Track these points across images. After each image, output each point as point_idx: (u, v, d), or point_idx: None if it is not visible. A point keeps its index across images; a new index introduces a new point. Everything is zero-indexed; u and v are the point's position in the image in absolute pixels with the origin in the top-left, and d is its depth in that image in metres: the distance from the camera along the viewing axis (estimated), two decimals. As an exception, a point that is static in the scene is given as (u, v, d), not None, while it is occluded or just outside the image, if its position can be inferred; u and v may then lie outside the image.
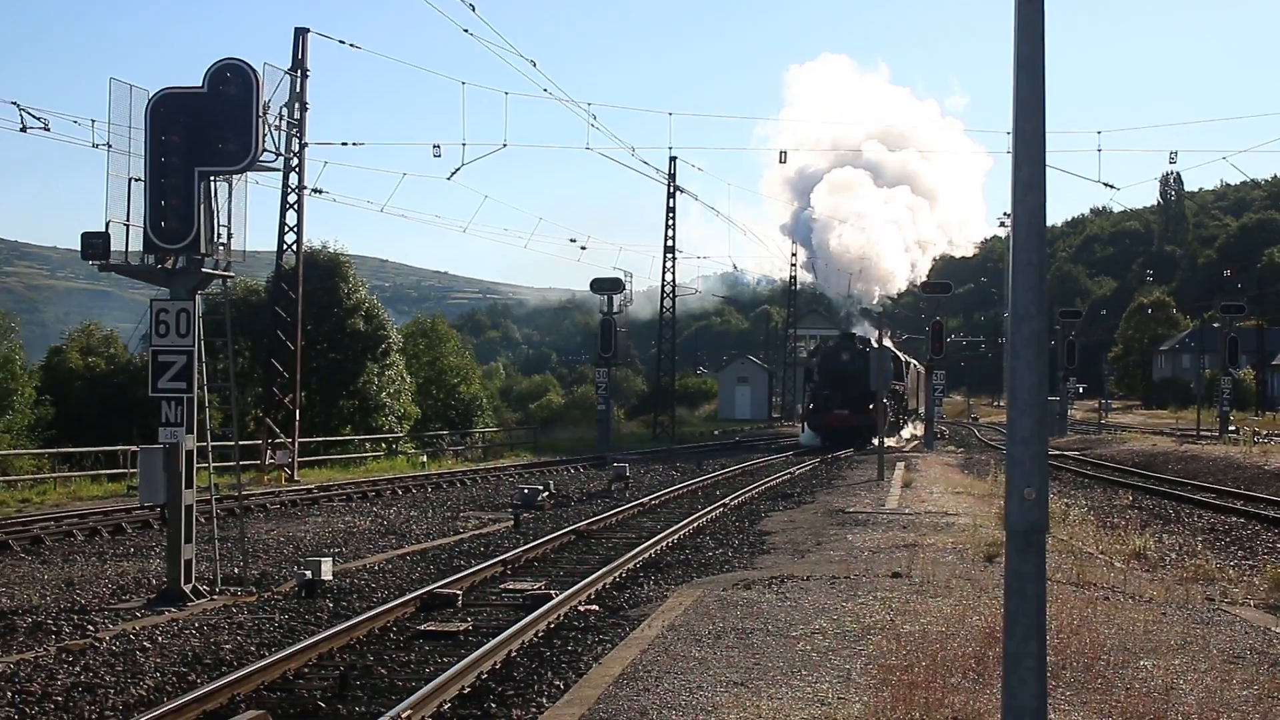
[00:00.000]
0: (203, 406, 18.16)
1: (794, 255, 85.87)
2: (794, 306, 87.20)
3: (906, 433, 72.43)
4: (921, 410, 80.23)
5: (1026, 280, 6.74)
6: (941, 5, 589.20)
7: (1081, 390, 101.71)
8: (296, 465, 39.41)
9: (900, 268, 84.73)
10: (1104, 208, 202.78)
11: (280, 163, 25.27)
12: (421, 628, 15.13)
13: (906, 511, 26.05)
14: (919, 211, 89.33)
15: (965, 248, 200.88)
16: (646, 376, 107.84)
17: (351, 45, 36.43)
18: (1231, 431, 62.17)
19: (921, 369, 79.26)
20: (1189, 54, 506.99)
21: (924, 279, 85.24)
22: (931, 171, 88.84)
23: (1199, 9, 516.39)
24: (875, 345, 62.51)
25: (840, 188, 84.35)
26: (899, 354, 69.05)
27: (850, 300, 78.99)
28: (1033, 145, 6.70)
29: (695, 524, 25.90)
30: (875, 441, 58.11)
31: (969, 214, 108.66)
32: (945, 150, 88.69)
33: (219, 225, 17.77)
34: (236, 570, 19.45)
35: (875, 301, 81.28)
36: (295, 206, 39.93)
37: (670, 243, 72.03)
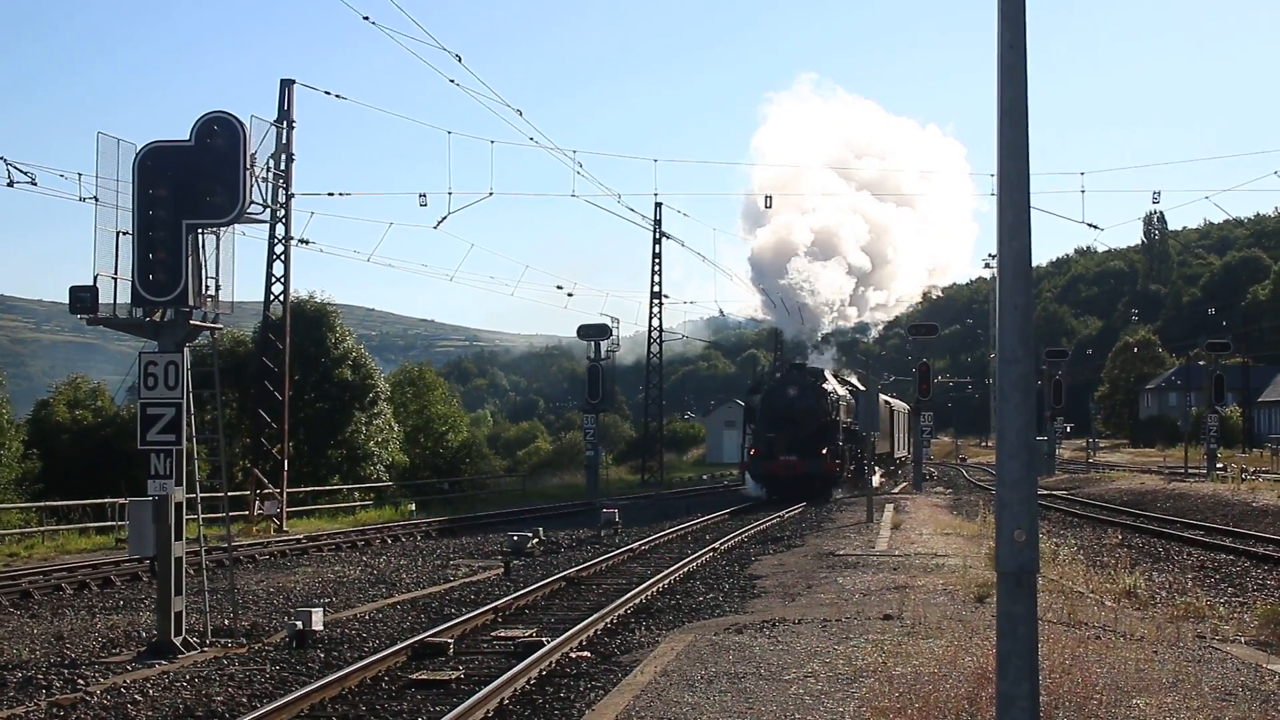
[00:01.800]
0: (191, 458, 18.14)
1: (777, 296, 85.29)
2: (780, 349, 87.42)
3: (875, 481, 59.28)
4: (900, 454, 73.65)
5: (1013, 323, 6.82)
6: (931, 49, 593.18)
7: (1069, 430, 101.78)
8: (285, 515, 39.32)
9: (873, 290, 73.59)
10: (1089, 248, 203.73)
11: (267, 214, 25.36)
12: (413, 676, 15.10)
13: (896, 553, 26.06)
14: (910, 235, 79.16)
15: (949, 288, 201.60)
16: (634, 422, 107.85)
17: (337, 96, 36.69)
18: (1219, 469, 62.28)
19: (897, 406, 73.94)
20: (1170, 94, 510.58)
21: (903, 314, 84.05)
22: (925, 200, 78.78)
23: (1179, 50, 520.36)
24: (831, 378, 54.94)
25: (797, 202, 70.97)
26: (860, 386, 60.07)
27: (805, 327, 66.96)
28: (1018, 189, 6.79)
29: (686, 569, 25.87)
30: (836, 494, 51.74)
31: (959, 248, 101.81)
32: (943, 171, 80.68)
33: (207, 277, 17.80)
34: (227, 622, 19.38)
35: (838, 320, 71.17)
36: (282, 257, 40.01)
37: (656, 288, 72.18)
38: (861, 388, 57.28)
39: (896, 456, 73.56)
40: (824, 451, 51.02)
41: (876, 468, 60.86)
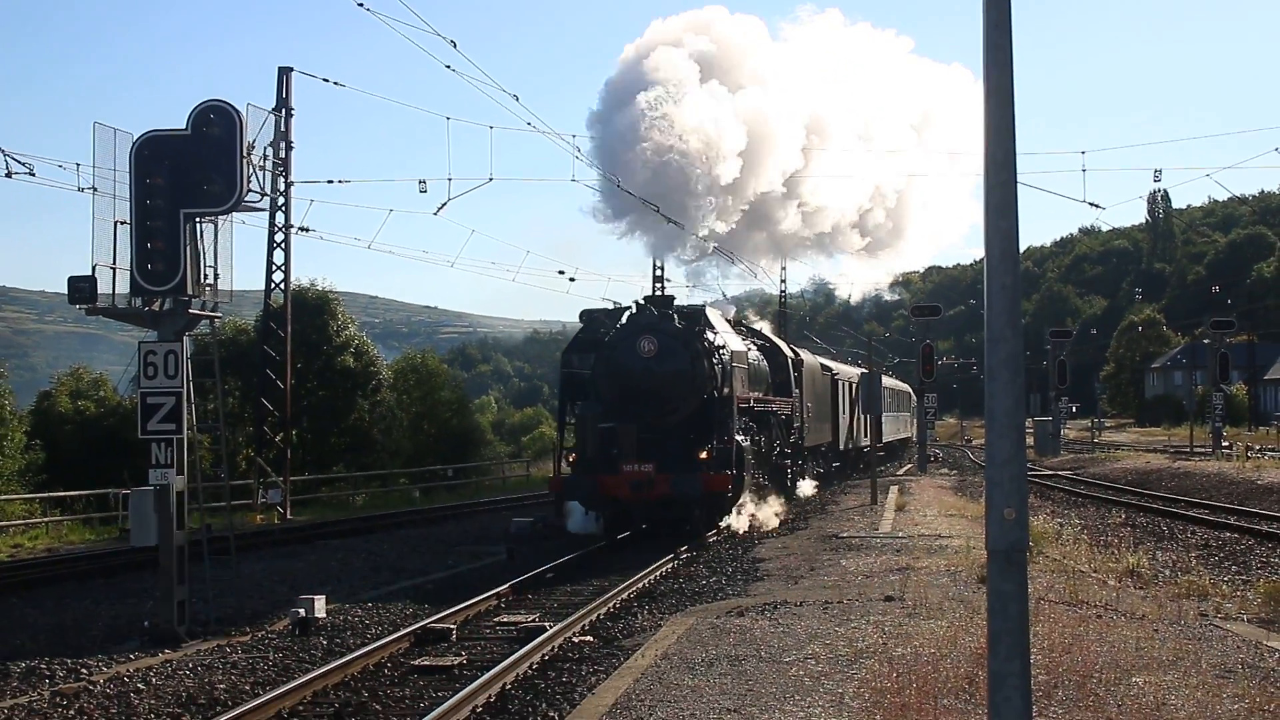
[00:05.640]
0: (193, 447, 18.17)
1: (783, 270, 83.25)
2: (785, 329, 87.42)
3: (806, 487, 40.66)
4: (857, 442, 53.68)
5: (1001, 303, 6.84)
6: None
7: (1074, 410, 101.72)
8: (289, 503, 39.37)
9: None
10: (1092, 227, 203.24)
11: (266, 202, 25.33)
12: (416, 663, 15.15)
13: (900, 535, 26.06)
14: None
15: (954, 268, 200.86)
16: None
17: (336, 83, 36.39)
18: (1225, 447, 62.24)
19: (847, 375, 52.00)
20: (1170, 73, 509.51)
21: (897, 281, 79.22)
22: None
23: (1179, 29, 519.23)
24: (719, 321, 32.30)
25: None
26: (777, 341, 40.69)
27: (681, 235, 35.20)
28: (1004, 169, 6.79)
29: (689, 553, 25.86)
30: (730, 522, 30.21)
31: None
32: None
33: (205, 266, 17.80)
34: (230, 610, 19.42)
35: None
36: (282, 245, 39.98)
37: (659, 272, 71.98)
38: (787, 347, 40.80)
39: (847, 448, 52.07)
40: (703, 455, 28.57)
41: (804, 469, 41.42)
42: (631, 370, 28.83)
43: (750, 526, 30.64)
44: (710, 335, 30.32)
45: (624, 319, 30.78)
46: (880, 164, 48.46)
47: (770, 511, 32.51)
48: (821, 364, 47.15)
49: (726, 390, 29.63)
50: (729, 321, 34.88)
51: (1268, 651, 12.87)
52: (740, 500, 30.45)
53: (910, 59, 54.43)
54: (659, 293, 35.56)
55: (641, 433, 28.32)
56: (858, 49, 49.49)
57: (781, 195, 41.47)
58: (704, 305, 32.82)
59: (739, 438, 29.53)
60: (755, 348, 35.53)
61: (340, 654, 15.64)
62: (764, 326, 43.32)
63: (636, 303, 30.95)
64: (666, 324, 29.52)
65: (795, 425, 38.81)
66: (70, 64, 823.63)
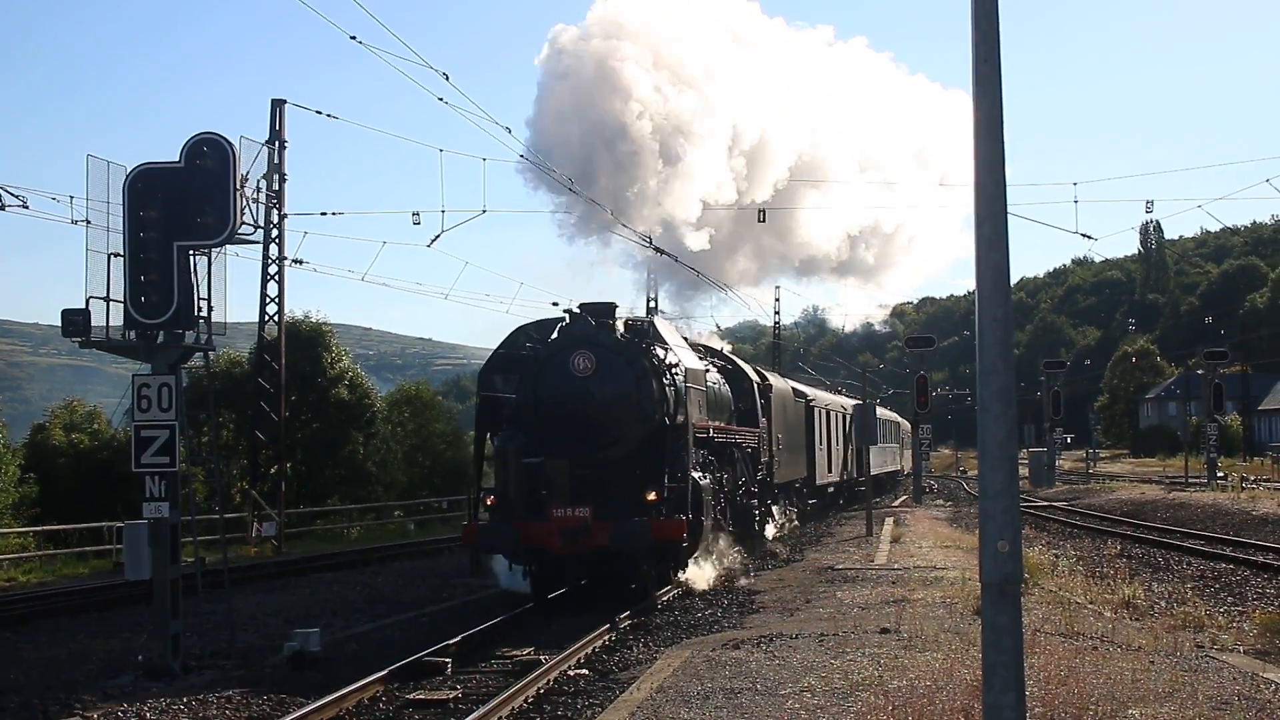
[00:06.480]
0: (187, 480, 18.12)
1: (777, 301, 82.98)
2: (779, 361, 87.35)
3: (771, 529, 34.89)
4: (830, 477, 47.60)
5: (993, 336, 6.85)
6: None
7: (1069, 440, 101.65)
8: (283, 536, 39.28)
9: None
10: (1085, 258, 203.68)
11: (259, 234, 25.31)
12: (411, 696, 15.10)
13: (896, 567, 26.02)
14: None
15: (947, 299, 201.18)
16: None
17: (329, 115, 36.46)
18: (1220, 478, 62.24)
19: (824, 402, 47.66)
20: (1160, 103, 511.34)
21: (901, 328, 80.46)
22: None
23: (1169, 58, 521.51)
24: (671, 334, 27.13)
25: None
26: (740, 363, 34.52)
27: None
28: (995, 201, 6.81)
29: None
30: (687, 578, 25.06)
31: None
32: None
33: (199, 299, 17.79)
34: (224, 644, 19.35)
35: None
36: (276, 277, 40.03)
37: (652, 303, 72.00)
38: (751, 369, 34.78)
39: (825, 483, 46.99)
40: (652, 496, 22.80)
41: (773, 508, 35.33)
42: (563, 392, 23.59)
43: (712, 581, 25.78)
44: (660, 351, 24.94)
45: (555, 337, 24.91)
46: (872, 197, 48.28)
47: (734, 562, 27.99)
48: (794, 389, 42.29)
49: (680, 417, 24.12)
50: (684, 339, 29.79)
51: (1264, 683, 12.85)
52: (698, 550, 25.02)
53: (905, 80, 54.10)
54: (648, 318, 29.56)
55: (576, 469, 23.08)
56: (851, 68, 48.17)
57: (763, 220, 40.05)
58: (652, 317, 28.09)
59: (696, 474, 24.11)
60: (715, 369, 30.21)
61: (336, 688, 15.55)
62: (724, 346, 37.82)
63: (570, 311, 25.02)
64: (606, 337, 24.15)
65: (763, 459, 33.35)
66: (64, 96, 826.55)
